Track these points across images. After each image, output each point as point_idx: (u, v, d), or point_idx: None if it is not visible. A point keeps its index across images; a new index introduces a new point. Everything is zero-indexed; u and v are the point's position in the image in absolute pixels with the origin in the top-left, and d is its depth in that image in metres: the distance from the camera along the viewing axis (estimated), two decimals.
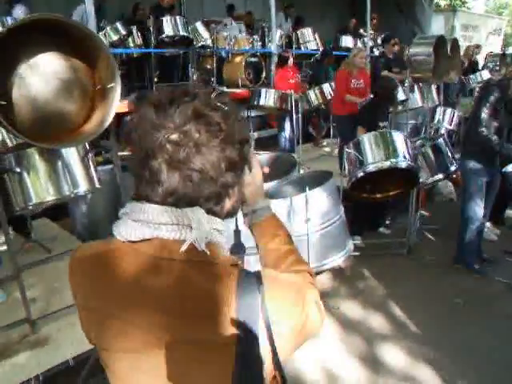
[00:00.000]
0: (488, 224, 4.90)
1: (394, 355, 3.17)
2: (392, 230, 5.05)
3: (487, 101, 3.69)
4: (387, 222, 5.11)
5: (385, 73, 6.35)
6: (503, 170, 3.77)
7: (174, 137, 0.84)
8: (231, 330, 0.85)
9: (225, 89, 7.97)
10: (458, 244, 4.20)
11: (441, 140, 4.34)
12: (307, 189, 3.53)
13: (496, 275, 4.11)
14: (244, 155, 0.93)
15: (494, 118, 3.71)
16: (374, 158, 3.95)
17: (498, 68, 9.52)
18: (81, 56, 2.37)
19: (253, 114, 7.05)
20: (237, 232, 1.18)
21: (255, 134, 7.14)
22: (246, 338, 0.85)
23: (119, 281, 0.89)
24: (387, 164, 3.91)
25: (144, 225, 0.87)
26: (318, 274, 4.06)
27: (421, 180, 4.36)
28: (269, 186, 4.22)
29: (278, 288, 0.92)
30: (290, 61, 6.84)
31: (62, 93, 2.38)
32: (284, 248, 1.13)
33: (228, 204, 0.95)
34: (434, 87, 6.52)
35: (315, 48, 9.46)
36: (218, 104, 0.90)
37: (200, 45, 7.95)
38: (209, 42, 8.02)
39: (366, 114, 4.70)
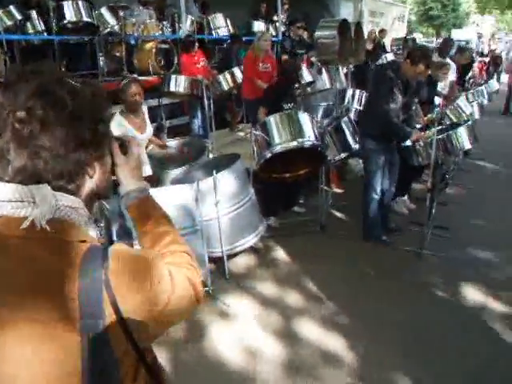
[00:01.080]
0: (402, 198, 5.18)
1: (310, 328, 3.27)
2: (306, 208, 5.18)
3: (383, 84, 3.86)
4: (301, 201, 5.24)
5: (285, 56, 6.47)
6: (402, 144, 3.99)
7: (19, 114, 0.83)
8: (74, 308, 0.84)
9: (136, 76, 7.71)
10: (363, 220, 4.40)
11: (345, 119, 4.50)
12: (214, 172, 3.52)
13: (403, 245, 4.36)
14: (99, 134, 0.93)
15: (391, 99, 3.89)
16: (280, 139, 4.01)
17: (401, 51, 10.02)
18: None
19: (166, 101, 6.93)
20: (120, 216, 1.19)
21: (167, 122, 7.00)
22: (90, 315, 0.84)
23: None
24: (294, 144, 3.99)
25: None
26: (233, 256, 4.09)
27: (328, 158, 4.52)
28: (178, 171, 4.19)
29: (123, 263, 0.91)
30: (196, 46, 6.75)
31: None
32: (159, 229, 1.13)
33: (89, 183, 0.96)
34: (341, 69, 6.73)
35: (227, 34, 9.42)
36: (68, 81, 0.90)
37: (107, 31, 7.62)
38: (116, 28, 7.71)
39: (270, 96, 4.74)
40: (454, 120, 4.72)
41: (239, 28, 10.23)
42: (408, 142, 3.97)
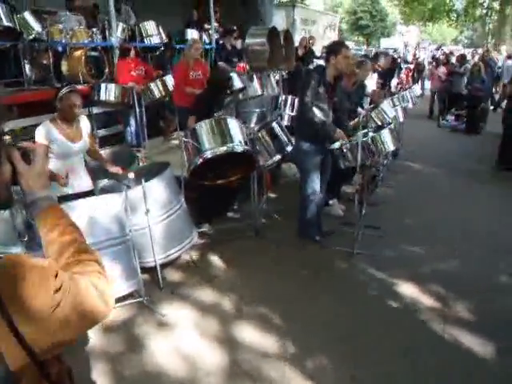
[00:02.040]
0: (334, 201, 5.32)
1: (247, 332, 3.28)
2: (241, 214, 5.21)
3: (308, 86, 3.98)
4: (235, 207, 5.26)
5: (221, 64, 6.51)
6: (330, 146, 4.11)
7: None
8: None
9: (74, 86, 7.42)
10: (299, 220, 4.49)
11: (274, 124, 4.57)
12: (143, 181, 3.46)
13: (336, 245, 4.48)
14: None
15: (316, 97, 4.01)
16: (210, 145, 4.00)
17: None
18: None
19: (98, 110, 6.74)
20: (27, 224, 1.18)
21: (99, 132, 6.81)
22: None
23: None
24: (224, 149, 3.99)
25: None
26: (167, 264, 4.03)
27: (261, 163, 4.57)
28: (107, 181, 4.08)
29: (17, 272, 0.89)
30: (132, 53, 6.63)
31: None
32: (66, 238, 1.12)
33: None
34: (272, 76, 6.85)
35: (159, 41, 9.34)
36: None
37: (32, 37, 7.31)
38: (43, 34, 7.41)
39: (200, 104, 4.73)
40: (379, 123, 4.93)
41: (173, 36, 10.18)
42: (336, 145, 4.10)
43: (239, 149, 4.02)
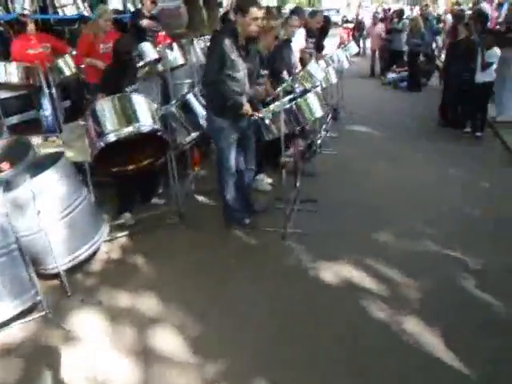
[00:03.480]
0: (261, 176, 4.91)
1: (166, 338, 2.87)
2: (167, 198, 4.71)
3: (218, 52, 3.47)
4: (159, 191, 4.74)
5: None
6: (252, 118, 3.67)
7: None
8: None
9: None
10: (223, 203, 4.06)
11: (190, 96, 4.07)
12: (28, 177, 2.92)
13: (268, 225, 4.08)
14: None
15: (234, 70, 3.52)
16: (113, 126, 3.49)
17: None
18: None
19: (8, 94, 5.99)
20: None
21: (11, 119, 6.07)
22: None
23: None
24: (129, 130, 3.49)
25: None
26: (77, 267, 3.54)
27: (177, 141, 4.09)
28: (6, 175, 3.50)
29: None
30: (30, 27, 5.84)
31: None
32: None
33: None
34: (197, 43, 6.25)
35: (75, 12, 8.47)
36: None
37: None
38: None
39: (107, 80, 4.15)
40: (308, 87, 4.50)
41: (91, 5, 9.27)
42: (255, 117, 3.64)
43: (146, 128, 3.53)
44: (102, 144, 3.44)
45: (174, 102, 4.23)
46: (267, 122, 3.62)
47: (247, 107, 3.62)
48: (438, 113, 7.41)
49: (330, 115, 7.38)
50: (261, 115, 3.62)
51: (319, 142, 6.09)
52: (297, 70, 5.16)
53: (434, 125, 7.32)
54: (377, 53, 12.23)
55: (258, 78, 4.37)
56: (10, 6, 7.54)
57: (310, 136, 6.19)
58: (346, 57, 6.98)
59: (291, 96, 3.99)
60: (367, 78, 12.12)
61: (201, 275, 3.51)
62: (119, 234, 4.06)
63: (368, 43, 14.77)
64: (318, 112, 3.67)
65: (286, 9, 16.15)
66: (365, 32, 15.60)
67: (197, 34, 5.84)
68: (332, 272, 3.45)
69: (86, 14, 8.47)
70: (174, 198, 4.32)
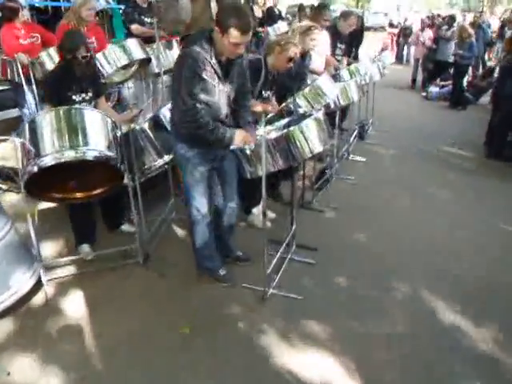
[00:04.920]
0: (255, 210, 4.06)
1: None
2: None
3: (185, 71, 2.60)
4: (132, 216, 3.95)
5: (135, 26, 5.05)
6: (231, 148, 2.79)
7: None
8: None
9: None
10: (193, 248, 3.24)
11: (164, 111, 3.26)
12: None
13: (247, 279, 3.21)
14: None
15: (207, 92, 2.67)
16: (52, 147, 2.73)
17: (296, 20, 8.88)
18: None
19: None
20: None
21: None
22: None
23: None
24: (70, 155, 2.73)
25: None
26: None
27: (147, 165, 3.31)
28: None
29: None
30: (22, 14, 5.17)
31: None
32: None
33: None
34: None
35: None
36: None
37: None
38: None
39: (52, 85, 3.31)
40: (317, 106, 3.61)
41: None
42: (234, 146, 2.78)
43: (93, 155, 2.76)
44: (35, 169, 2.70)
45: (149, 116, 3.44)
46: (248, 152, 2.76)
47: (241, 136, 2.77)
48: (485, 139, 6.36)
49: (355, 133, 6.43)
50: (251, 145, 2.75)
51: (337, 166, 5.18)
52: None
53: (476, 154, 6.21)
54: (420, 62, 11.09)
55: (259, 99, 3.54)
56: None
57: (326, 158, 5.31)
58: (379, 68, 6.01)
59: (286, 120, 3.13)
60: (406, 89, 10.93)
61: (146, 345, 2.71)
62: (61, 275, 3.31)
63: (413, 50, 13.63)
64: (316, 145, 2.77)
65: (335, 10, 15.09)
66: (411, 38, 14.42)
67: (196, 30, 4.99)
68: (312, 366, 2.56)
69: None
70: (138, 233, 3.50)
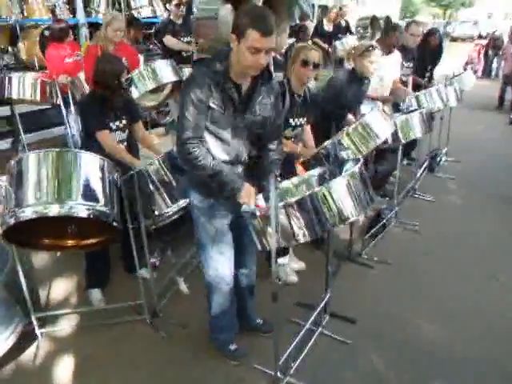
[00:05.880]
0: (287, 258, 3.48)
1: None
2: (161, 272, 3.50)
3: (189, 97, 2.12)
4: (153, 260, 3.53)
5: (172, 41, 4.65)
6: (241, 209, 2.23)
7: None
8: None
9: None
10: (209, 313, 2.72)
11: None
12: None
13: (261, 359, 2.62)
14: None
15: (216, 122, 2.17)
16: (36, 197, 2.34)
17: (368, 33, 8.17)
18: None
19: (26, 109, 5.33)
20: None
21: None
22: None
23: None
24: (54, 210, 2.32)
25: None
26: None
27: (157, 212, 2.85)
28: None
29: None
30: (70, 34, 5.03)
31: None
32: None
33: None
34: None
35: (151, 15, 7.68)
36: None
37: None
38: None
39: (89, 113, 3.03)
40: (364, 150, 2.95)
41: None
42: (247, 207, 2.21)
43: (79, 211, 2.34)
44: (12, 221, 2.32)
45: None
46: (257, 213, 2.17)
47: (247, 193, 2.24)
48: None
49: (425, 165, 5.61)
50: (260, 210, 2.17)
51: (396, 208, 4.42)
52: None
53: None
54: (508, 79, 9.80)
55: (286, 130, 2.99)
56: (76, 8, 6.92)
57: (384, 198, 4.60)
58: (456, 91, 5.18)
59: (318, 172, 2.51)
60: (492, 110, 9.60)
61: None
62: (56, 328, 2.95)
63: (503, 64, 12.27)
64: (349, 210, 2.12)
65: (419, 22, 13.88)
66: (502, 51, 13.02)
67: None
68: None
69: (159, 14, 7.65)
70: (143, 287, 3.03)
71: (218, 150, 2.23)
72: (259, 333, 2.86)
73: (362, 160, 2.26)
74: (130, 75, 3.07)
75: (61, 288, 3.42)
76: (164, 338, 2.88)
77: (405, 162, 5.88)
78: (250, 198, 2.20)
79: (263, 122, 2.30)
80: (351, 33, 8.45)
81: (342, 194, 2.09)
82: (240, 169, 2.33)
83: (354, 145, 2.95)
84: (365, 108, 3.91)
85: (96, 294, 3.23)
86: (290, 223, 2.05)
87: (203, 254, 2.49)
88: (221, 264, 2.46)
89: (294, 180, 2.53)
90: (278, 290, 2.16)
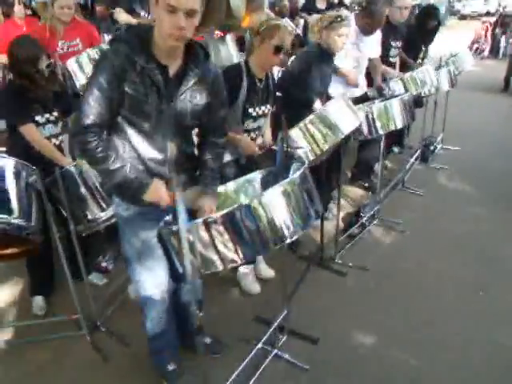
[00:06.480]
0: (251, 268, 3.14)
1: None
2: (111, 277, 3.20)
3: (96, 75, 1.75)
4: (104, 264, 3.23)
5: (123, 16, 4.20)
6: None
7: None
8: None
9: None
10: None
11: None
12: None
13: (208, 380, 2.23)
14: None
15: (137, 113, 1.81)
16: None
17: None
18: None
19: None
20: None
21: None
22: None
23: None
24: None
25: None
26: None
27: (90, 217, 2.52)
28: None
29: None
30: (19, 9, 4.56)
31: None
32: None
33: None
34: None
35: None
36: None
37: None
38: None
39: (6, 106, 2.71)
40: (325, 147, 2.55)
41: None
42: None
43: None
44: None
45: None
46: (174, 229, 1.77)
47: (155, 189, 1.88)
48: None
49: (416, 155, 5.19)
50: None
51: (379, 206, 4.02)
52: None
53: None
54: None
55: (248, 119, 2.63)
56: None
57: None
58: (450, 74, 4.74)
59: (262, 174, 2.14)
60: (497, 93, 8.97)
61: None
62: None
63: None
64: (287, 231, 1.74)
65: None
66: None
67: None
68: None
69: None
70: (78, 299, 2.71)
71: (143, 145, 1.87)
72: (207, 353, 2.53)
73: (306, 164, 1.88)
74: (50, 60, 2.68)
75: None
76: (101, 359, 2.57)
77: (396, 149, 5.49)
78: (160, 196, 1.84)
79: (196, 113, 1.92)
80: (347, 7, 7.87)
81: (275, 207, 1.72)
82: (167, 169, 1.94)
83: (313, 139, 2.55)
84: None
85: (38, 302, 2.97)
86: (213, 244, 1.68)
87: (129, 270, 2.16)
88: (149, 283, 2.13)
89: (231, 185, 2.16)
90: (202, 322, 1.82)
